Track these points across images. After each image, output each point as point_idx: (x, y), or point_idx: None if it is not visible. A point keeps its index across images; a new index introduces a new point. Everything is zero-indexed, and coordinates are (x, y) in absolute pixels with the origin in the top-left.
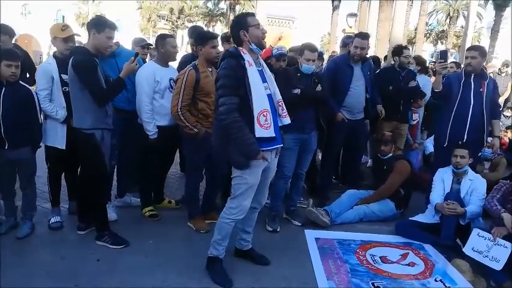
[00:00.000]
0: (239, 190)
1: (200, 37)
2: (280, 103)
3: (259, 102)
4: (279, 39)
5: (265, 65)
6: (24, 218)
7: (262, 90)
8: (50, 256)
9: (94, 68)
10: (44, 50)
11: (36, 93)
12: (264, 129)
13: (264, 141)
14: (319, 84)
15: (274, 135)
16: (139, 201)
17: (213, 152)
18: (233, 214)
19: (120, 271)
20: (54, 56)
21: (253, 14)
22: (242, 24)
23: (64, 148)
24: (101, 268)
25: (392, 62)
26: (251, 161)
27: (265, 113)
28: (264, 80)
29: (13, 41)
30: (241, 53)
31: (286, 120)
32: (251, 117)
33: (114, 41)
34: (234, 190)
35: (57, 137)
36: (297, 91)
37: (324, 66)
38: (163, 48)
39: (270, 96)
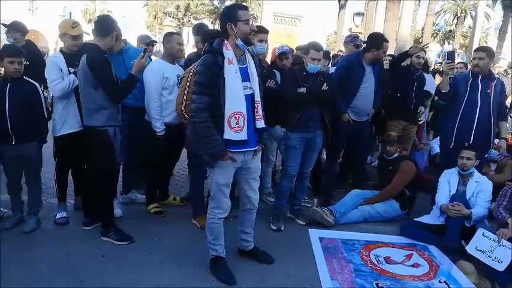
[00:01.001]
0: (213, 190)
1: (207, 36)
2: (257, 104)
3: (232, 104)
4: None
5: (251, 62)
6: (30, 212)
7: (239, 92)
8: (56, 251)
9: (109, 65)
10: (50, 46)
11: (41, 88)
12: (233, 132)
13: (233, 143)
14: (325, 84)
15: (245, 138)
16: (144, 198)
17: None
18: (217, 213)
19: (124, 267)
20: (61, 51)
21: (245, 8)
22: (230, 17)
23: (82, 128)
24: (106, 264)
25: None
26: (218, 161)
27: (237, 116)
28: (246, 79)
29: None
30: (224, 48)
31: (260, 123)
32: (221, 118)
33: (122, 38)
34: (210, 190)
35: (73, 122)
36: (303, 90)
37: (329, 66)
38: (169, 44)
39: (249, 97)
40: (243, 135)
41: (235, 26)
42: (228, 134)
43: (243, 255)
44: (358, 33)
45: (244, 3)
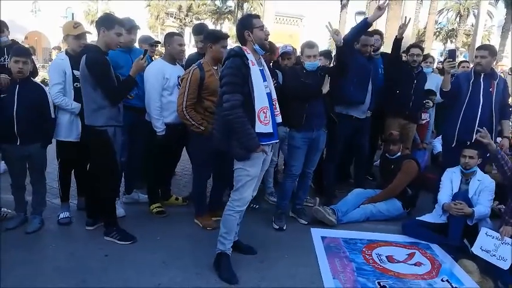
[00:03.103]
0: (241, 182)
1: (212, 35)
2: (274, 102)
3: (260, 100)
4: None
5: (265, 65)
6: (33, 213)
7: (263, 89)
8: (59, 251)
9: (107, 66)
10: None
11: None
12: (263, 125)
13: (263, 136)
14: (326, 76)
15: (272, 131)
16: (146, 198)
17: (214, 144)
18: (236, 206)
19: (127, 267)
20: (67, 52)
21: (258, 16)
22: (247, 25)
23: (78, 140)
24: (109, 264)
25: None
26: (251, 154)
27: (265, 110)
28: (264, 79)
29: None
30: (245, 52)
31: (279, 118)
32: (252, 113)
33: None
34: (236, 182)
35: (71, 131)
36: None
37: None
38: (170, 45)
39: (269, 95)
40: (269, 128)
41: (252, 33)
42: (259, 128)
43: None
44: None
45: (245, 4)
